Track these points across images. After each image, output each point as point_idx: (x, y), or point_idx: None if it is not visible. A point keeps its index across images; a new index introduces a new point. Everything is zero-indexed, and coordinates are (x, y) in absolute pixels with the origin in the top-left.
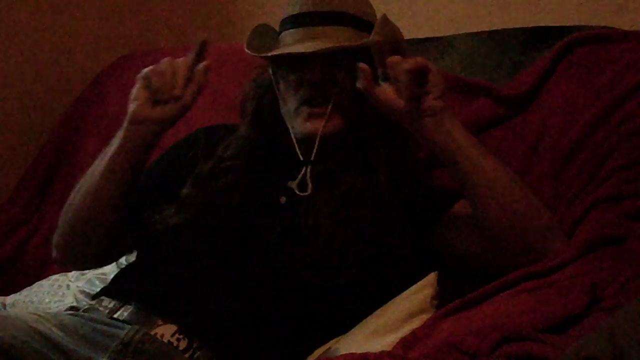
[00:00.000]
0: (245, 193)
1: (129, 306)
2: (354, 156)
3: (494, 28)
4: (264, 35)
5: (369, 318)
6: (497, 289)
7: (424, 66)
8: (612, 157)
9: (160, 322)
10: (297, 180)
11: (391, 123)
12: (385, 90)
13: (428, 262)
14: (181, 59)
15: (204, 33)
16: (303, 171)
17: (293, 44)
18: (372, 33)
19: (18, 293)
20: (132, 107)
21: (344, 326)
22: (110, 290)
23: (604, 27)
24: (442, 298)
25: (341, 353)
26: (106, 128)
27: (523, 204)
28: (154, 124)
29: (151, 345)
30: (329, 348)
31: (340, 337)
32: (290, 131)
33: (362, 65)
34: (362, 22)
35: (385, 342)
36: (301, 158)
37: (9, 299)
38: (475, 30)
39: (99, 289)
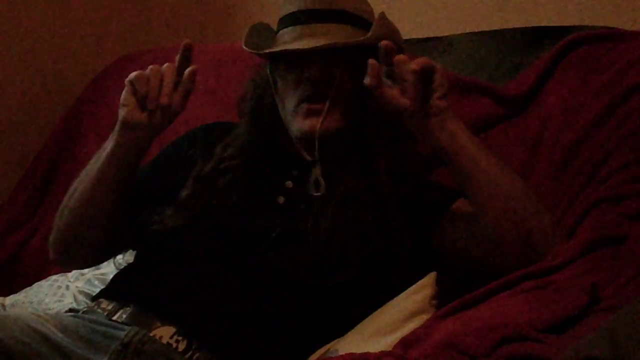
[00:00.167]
0: (243, 194)
1: (127, 308)
2: (353, 155)
3: (494, 28)
4: (262, 33)
5: (368, 319)
6: (497, 289)
7: (430, 66)
8: (612, 157)
9: (158, 324)
10: (311, 181)
11: (390, 121)
12: (391, 89)
13: (428, 262)
14: (167, 64)
15: (192, 34)
16: (313, 171)
17: (291, 41)
18: (370, 31)
19: (18, 293)
20: (122, 112)
21: (343, 327)
22: (109, 292)
23: (604, 27)
24: (441, 298)
25: (341, 354)
26: (106, 128)
27: (524, 204)
28: (144, 130)
29: (151, 346)
30: (329, 349)
31: (339, 338)
32: (289, 131)
33: (371, 61)
34: (360, 20)
35: (385, 342)
36: (309, 158)
37: (9, 300)
38: (475, 30)
39: (98, 289)
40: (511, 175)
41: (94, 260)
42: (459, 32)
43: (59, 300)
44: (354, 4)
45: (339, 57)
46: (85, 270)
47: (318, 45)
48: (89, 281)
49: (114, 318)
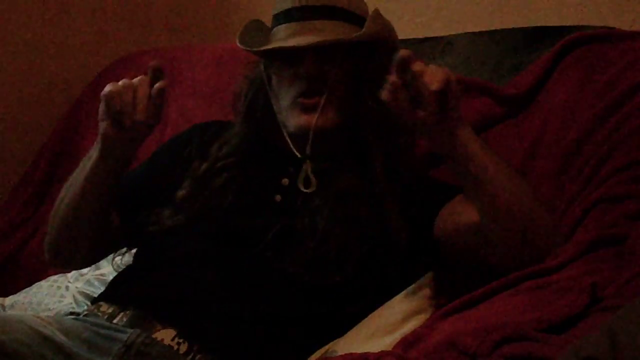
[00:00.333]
0: (240, 193)
1: (127, 312)
2: (349, 152)
3: (494, 28)
4: (257, 31)
5: (367, 319)
6: (497, 289)
7: (448, 83)
8: (612, 157)
9: (159, 327)
10: (300, 178)
11: (386, 116)
12: (404, 99)
13: (426, 259)
14: (140, 78)
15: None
16: (304, 167)
17: (285, 38)
18: (364, 27)
19: (17, 294)
20: (101, 127)
21: (343, 327)
22: (108, 295)
23: (604, 27)
24: (439, 298)
25: (340, 354)
26: None
27: (527, 210)
28: (124, 144)
29: (153, 348)
30: (328, 349)
31: (338, 338)
32: (282, 128)
33: (391, 78)
34: (354, 16)
35: (384, 343)
36: (298, 155)
37: (8, 300)
38: (475, 30)
39: (98, 290)
40: (516, 181)
41: (88, 262)
42: (458, 32)
43: (59, 301)
44: (347, 1)
45: (333, 53)
46: (85, 271)
47: (312, 42)
48: (88, 282)
49: (115, 321)
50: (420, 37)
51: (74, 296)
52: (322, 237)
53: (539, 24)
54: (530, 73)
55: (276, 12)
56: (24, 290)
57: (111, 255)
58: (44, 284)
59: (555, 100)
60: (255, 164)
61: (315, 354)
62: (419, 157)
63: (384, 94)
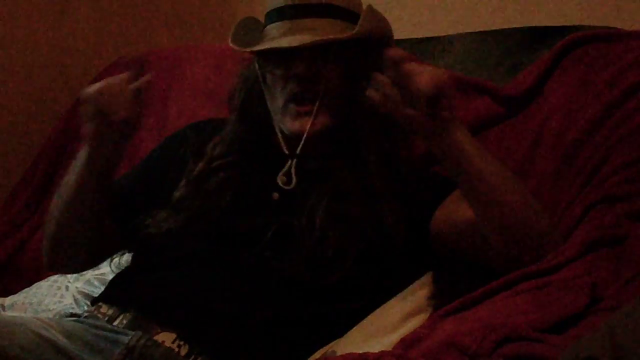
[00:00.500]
0: (237, 192)
1: (127, 314)
2: (344, 150)
3: (494, 28)
4: (250, 28)
5: (367, 319)
6: (497, 289)
7: (441, 82)
8: (612, 157)
9: (159, 330)
10: (281, 173)
11: (381, 114)
12: (396, 98)
13: (424, 258)
14: (122, 75)
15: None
16: (288, 164)
17: (278, 37)
18: (358, 24)
19: (17, 294)
20: (85, 130)
21: (343, 327)
22: (108, 296)
23: (604, 27)
24: (438, 298)
25: (340, 354)
26: None
27: (525, 211)
28: (111, 143)
29: (155, 350)
30: (328, 350)
31: (338, 339)
32: (276, 127)
33: (378, 76)
34: (348, 13)
35: (384, 343)
36: (286, 152)
37: (8, 300)
38: (475, 30)
39: (97, 290)
40: (512, 181)
41: (86, 266)
42: (459, 32)
43: (59, 301)
44: None
45: (326, 53)
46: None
47: (304, 42)
48: (88, 281)
49: (115, 323)
50: (420, 37)
51: (73, 296)
52: (319, 236)
53: (539, 24)
54: (530, 73)
55: (269, 9)
56: (23, 291)
57: None
58: (43, 284)
59: (555, 100)
60: (251, 163)
61: (315, 354)
62: (417, 153)
63: (370, 92)
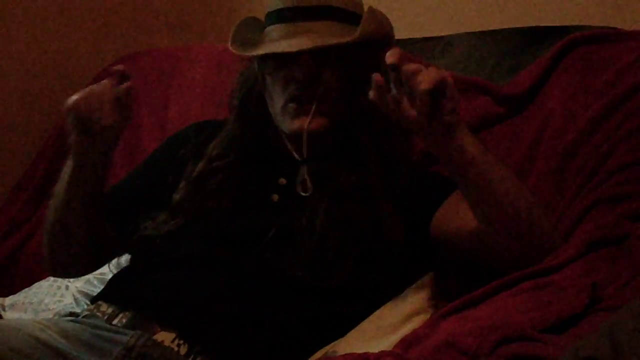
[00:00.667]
0: (237, 193)
1: (127, 312)
2: (344, 152)
3: (494, 28)
4: (251, 29)
5: (367, 320)
6: (497, 289)
7: (442, 82)
8: (612, 157)
9: (158, 329)
10: (298, 181)
11: (381, 115)
12: (397, 99)
13: (425, 259)
14: (104, 82)
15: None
16: (301, 171)
17: (278, 39)
18: (359, 28)
19: (17, 294)
20: (70, 139)
21: (343, 328)
22: (108, 294)
23: (604, 27)
24: (439, 298)
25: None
26: None
27: (529, 215)
28: (97, 150)
29: (154, 350)
30: (329, 350)
31: (339, 340)
32: (279, 127)
33: (376, 77)
34: (349, 15)
35: (385, 343)
36: (297, 158)
37: (8, 300)
38: (475, 30)
39: (97, 289)
40: (517, 186)
41: (87, 269)
42: (458, 32)
43: (59, 301)
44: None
45: (326, 56)
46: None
47: (302, 47)
48: (88, 281)
49: (114, 322)
50: (420, 37)
51: (73, 295)
52: (320, 238)
53: (539, 24)
54: (530, 73)
55: (269, 10)
56: (23, 290)
57: None
58: (44, 283)
59: (554, 100)
60: (250, 164)
61: (316, 354)
62: (417, 152)
63: (370, 93)
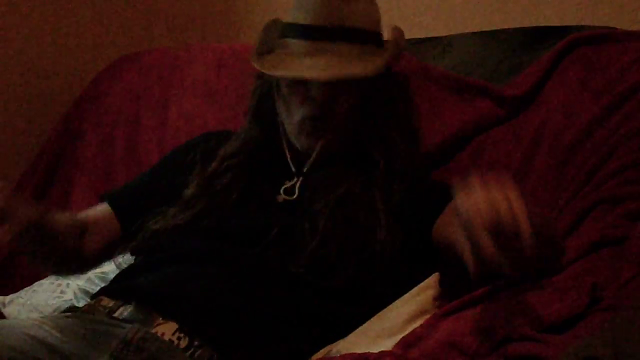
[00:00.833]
0: (243, 193)
1: (128, 305)
2: (350, 159)
3: (494, 28)
4: (270, 36)
5: (372, 321)
6: (497, 289)
7: (502, 216)
8: (612, 158)
9: (160, 321)
10: (284, 186)
11: (391, 125)
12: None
13: (429, 261)
14: None
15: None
16: (293, 181)
17: (299, 57)
18: (384, 57)
19: (17, 292)
20: None
21: (345, 326)
22: (110, 289)
23: (604, 27)
24: (445, 299)
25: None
26: (106, 128)
27: (550, 252)
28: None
29: (152, 344)
30: (331, 350)
31: (343, 339)
32: (283, 140)
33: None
34: (370, 35)
35: (389, 344)
36: (293, 169)
37: (9, 299)
38: (475, 30)
39: (99, 288)
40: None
41: (84, 269)
42: (459, 32)
43: (59, 297)
44: (364, 19)
45: (343, 81)
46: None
47: (330, 76)
48: (89, 279)
49: (115, 315)
50: (420, 37)
51: (74, 293)
52: (322, 238)
53: (539, 24)
54: (530, 74)
55: (292, 22)
56: (24, 289)
57: None
58: (44, 281)
59: (554, 101)
60: (259, 165)
61: (318, 354)
62: (421, 160)
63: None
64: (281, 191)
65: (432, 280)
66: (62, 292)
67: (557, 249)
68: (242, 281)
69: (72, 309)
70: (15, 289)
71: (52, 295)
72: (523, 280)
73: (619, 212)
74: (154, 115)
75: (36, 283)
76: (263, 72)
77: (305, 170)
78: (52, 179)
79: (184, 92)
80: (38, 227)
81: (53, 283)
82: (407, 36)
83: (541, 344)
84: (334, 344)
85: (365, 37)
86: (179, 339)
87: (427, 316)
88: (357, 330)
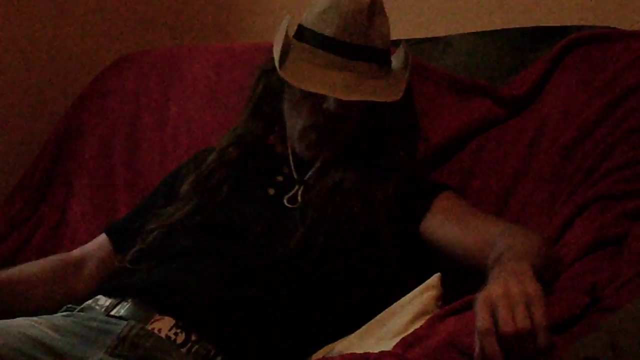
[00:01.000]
0: (236, 188)
1: (125, 303)
2: (345, 154)
3: (494, 28)
4: (287, 37)
5: (374, 321)
6: None
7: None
8: (611, 157)
9: (157, 316)
10: (289, 195)
11: (389, 129)
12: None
13: (421, 256)
14: None
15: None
16: (295, 189)
17: (321, 69)
18: (402, 83)
19: None
20: None
21: (342, 320)
22: (106, 288)
23: (604, 27)
24: (446, 299)
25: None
26: (106, 128)
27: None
28: None
29: (147, 340)
30: (333, 349)
31: (346, 339)
32: (289, 141)
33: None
34: (385, 55)
35: (392, 345)
36: (295, 177)
37: None
38: (475, 30)
39: None
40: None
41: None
42: (459, 32)
43: None
44: (382, 38)
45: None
46: None
47: (354, 98)
48: None
49: (112, 313)
50: (420, 37)
51: None
52: (311, 224)
53: (539, 24)
54: (531, 74)
55: (315, 29)
56: None
57: None
58: None
59: (554, 101)
60: (254, 161)
61: (319, 352)
62: (419, 161)
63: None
64: (284, 201)
65: (434, 280)
66: None
67: (559, 272)
68: (235, 273)
69: (68, 308)
70: None
71: None
72: None
73: (618, 212)
74: (154, 115)
75: None
76: (296, 85)
77: (306, 178)
78: (52, 179)
79: (184, 92)
80: None
81: None
82: (407, 36)
83: None
84: (335, 342)
85: (383, 57)
86: (175, 334)
87: (429, 316)
88: (360, 330)
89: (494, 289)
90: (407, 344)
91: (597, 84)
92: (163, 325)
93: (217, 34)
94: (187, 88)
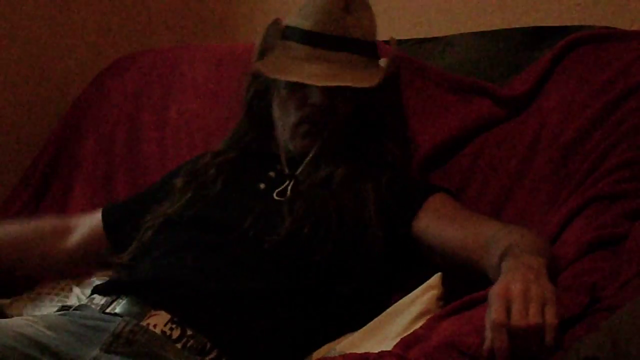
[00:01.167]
0: (228, 183)
1: (120, 300)
2: (336, 150)
3: (494, 28)
4: (270, 36)
5: (376, 321)
6: None
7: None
8: (610, 156)
9: (153, 312)
10: (279, 189)
11: (383, 128)
12: None
13: (412, 255)
14: None
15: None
16: (286, 184)
17: (302, 61)
18: (382, 71)
19: (19, 295)
20: None
21: (337, 317)
22: (102, 287)
23: (604, 27)
24: (448, 299)
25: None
26: (106, 128)
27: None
28: None
29: (142, 336)
30: (334, 348)
31: (348, 339)
32: (279, 138)
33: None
34: (369, 46)
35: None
36: (286, 172)
37: (9, 301)
38: (475, 30)
39: None
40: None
41: (64, 269)
42: (459, 32)
43: (61, 301)
44: (364, 30)
45: (343, 88)
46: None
47: (334, 84)
48: (91, 284)
49: (107, 310)
50: (420, 37)
51: (77, 297)
52: (298, 215)
53: (539, 24)
54: (530, 73)
55: (294, 25)
56: (26, 292)
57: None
58: (47, 284)
59: (554, 100)
60: (248, 160)
61: (319, 351)
62: (416, 161)
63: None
64: (274, 195)
65: (435, 280)
66: (65, 296)
67: (558, 271)
68: (229, 267)
69: (64, 307)
70: (16, 292)
71: (55, 298)
72: None
73: (617, 211)
74: (154, 115)
75: (39, 283)
76: (271, 75)
77: (297, 172)
78: (52, 179)
79: (184, 92)
80: None
81: (55, 287)
82: (407, 36)
83: None
84: (335, 341)
85: (364, 47)
86: (171, 329)
87: (430, 316)
88: (362, 330)
89: (513, 284)
90: (407, 343)
91: (597, 84)
92: (158, 321)
93: (217, 34)
94: (187, 88)
